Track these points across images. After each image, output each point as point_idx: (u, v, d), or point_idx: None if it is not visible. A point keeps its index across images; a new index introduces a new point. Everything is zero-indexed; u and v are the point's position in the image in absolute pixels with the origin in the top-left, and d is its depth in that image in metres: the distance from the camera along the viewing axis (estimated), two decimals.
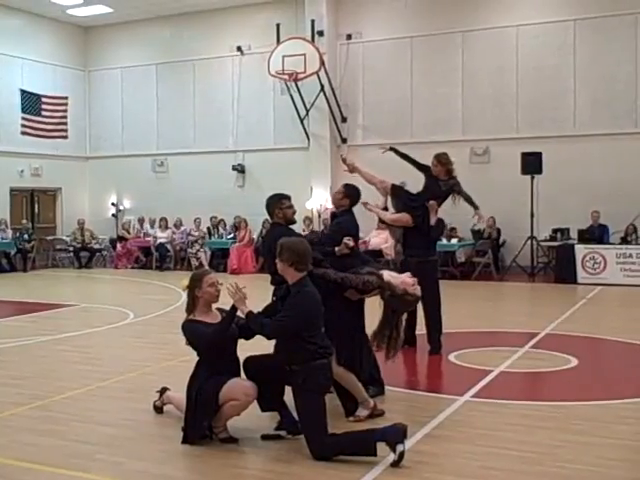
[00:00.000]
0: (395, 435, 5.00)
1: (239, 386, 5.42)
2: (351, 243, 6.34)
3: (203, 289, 5.52)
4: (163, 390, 6.37)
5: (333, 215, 7.20)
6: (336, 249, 6.37)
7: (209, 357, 5.49)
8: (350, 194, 7.05)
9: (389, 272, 6.05)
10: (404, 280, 5.91)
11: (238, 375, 5.58)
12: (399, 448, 4.96)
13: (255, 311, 5.42)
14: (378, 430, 5.13)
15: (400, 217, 8.68)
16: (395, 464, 4.95)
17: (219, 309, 5.69)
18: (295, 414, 5.41)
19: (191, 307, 5.59)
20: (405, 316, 8.07)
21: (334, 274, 6.00)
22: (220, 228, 20.48)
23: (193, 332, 5.50)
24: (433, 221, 8.68)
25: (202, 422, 5.43)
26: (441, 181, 8.74)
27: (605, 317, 11.96)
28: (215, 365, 5.47)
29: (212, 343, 5.41)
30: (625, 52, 17.10)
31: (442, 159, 8.77)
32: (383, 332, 5.90)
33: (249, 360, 5.59)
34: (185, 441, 5.49)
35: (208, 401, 5.38)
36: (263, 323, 5.31)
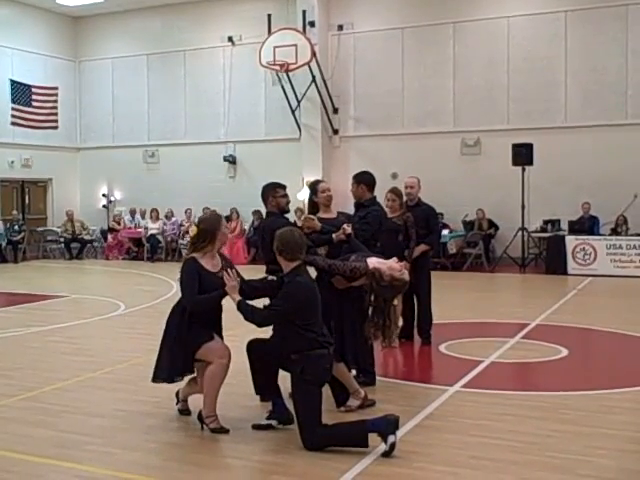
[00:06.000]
0: (387, 426, 5.01)
1: (214, 349, 5.48)
2: (349, 230, 6.36)
3: (222, 231, 5.62)
4: (177, 394, 6.14)
5: (358, 205, 7.18)
6: (333, 236, 6.38)
7: None
8: (361, 181, 7.10)
9: (377, 259, 6.02)
10: (391, 265, 5.88)
11: (218, 322, 5.65)
12: (390, 439, 4.97)
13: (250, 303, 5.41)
14: (370, 421, 5.14)
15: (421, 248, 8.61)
16: (386, 454, 4.97)
17: (220, 255, 5.76)
18: (288, 404, 5.42)
19: (200, 246, 5.59)
20: (400, 306, 8.12)
21: (322, 261, 6.02)
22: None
23: (187, 276, 5.50)
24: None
25: (176, 364, 5.52)
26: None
27: (595, 308, 11.99)
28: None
29: (191, 306, 5.46)
30: (616, 44, 17.10)
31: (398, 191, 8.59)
32: (376, 321, 5.90)
33: (252, 344, 5.57)
34: (155, 379, 5.63)
35: (187, 349, 5.47)
36: (253, 311, 5.32)
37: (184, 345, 5.49)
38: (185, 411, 5.98)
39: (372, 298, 5.92)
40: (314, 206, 6.87)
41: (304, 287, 5.32)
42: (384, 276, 5.79)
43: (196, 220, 20.53)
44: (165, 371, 5.60)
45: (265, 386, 5.60)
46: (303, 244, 5.45)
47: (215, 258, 5.65)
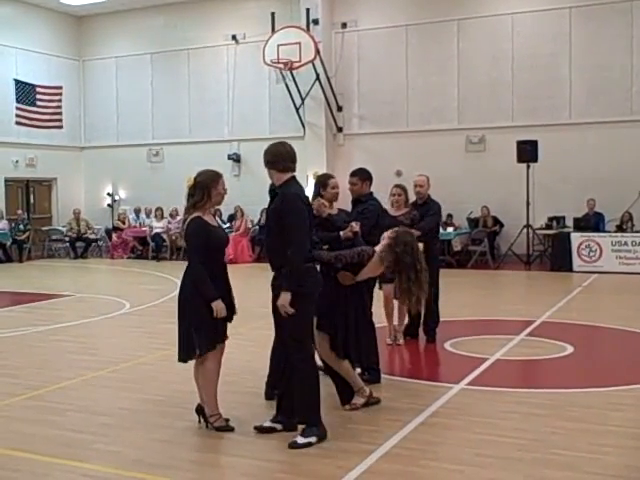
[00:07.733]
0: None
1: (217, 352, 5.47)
2: (356, 227, 6.36)
3: (218, 190, 5.58)
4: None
5: (356, 201, 7.21)
6: (341, 233, 6.37)
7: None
8: (367, 177, 7.17)
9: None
10: (388, 235, 5.84)
11: (225, 274, 5.61)
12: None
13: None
14: None
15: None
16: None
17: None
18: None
19: (200, 204, 5.56)
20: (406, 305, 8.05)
21: (327, 255, 5.96)
22: (217, 218, 20.44)
23: (196, 238, 5.45)
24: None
25: (190, 345, 5.44)
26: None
27: (601, 305, 11.98)
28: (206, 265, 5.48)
29: (193, 273, 5.41)
30: (620, 40, 17.05)
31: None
32: (408, 275, 5.70)
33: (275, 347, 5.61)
34: (179, 359, 5.52)
35: (198, 333, 5.41)
36: (289, 264, 5.22)
37: (196, 328, 5.40)
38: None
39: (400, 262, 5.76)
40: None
41: (297, 197, 5.29)
42: (393, 239, 5.73)
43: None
44: (184, 352, 5.53)
45: (281, 397, 5.56)
46: (293, 155, 5.45)
47: (210, 215, 5.73)
